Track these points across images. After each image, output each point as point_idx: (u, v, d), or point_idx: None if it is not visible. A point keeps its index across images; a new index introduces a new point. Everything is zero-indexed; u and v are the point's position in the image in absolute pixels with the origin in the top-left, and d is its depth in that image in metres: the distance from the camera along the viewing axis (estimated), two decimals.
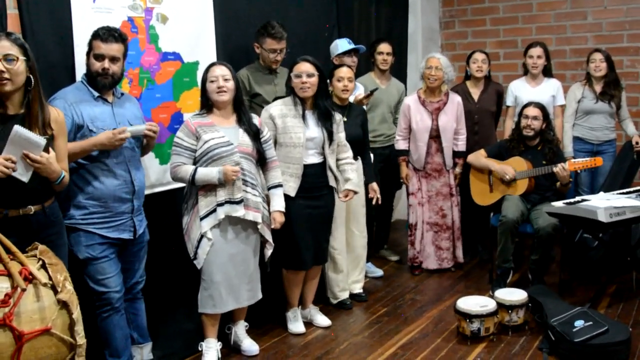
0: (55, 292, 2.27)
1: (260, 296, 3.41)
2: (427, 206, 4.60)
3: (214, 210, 3.13)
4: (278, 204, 3.38)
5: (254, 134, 3.27)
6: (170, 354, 3.40)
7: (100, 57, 2.79)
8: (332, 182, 3.65)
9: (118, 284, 2.90)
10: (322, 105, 3.59)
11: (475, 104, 4.76)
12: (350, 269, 4.17)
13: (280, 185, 3.41)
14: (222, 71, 3.18)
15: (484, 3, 6.12)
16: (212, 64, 3.25)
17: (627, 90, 5.01)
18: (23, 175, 2.31)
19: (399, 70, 5.45)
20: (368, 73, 4.78)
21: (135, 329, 3.13)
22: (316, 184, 3.59)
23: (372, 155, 4.27)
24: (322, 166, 3.62)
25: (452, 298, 4.02)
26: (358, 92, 4.30)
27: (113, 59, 2.80)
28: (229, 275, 3.22)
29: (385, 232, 5.14)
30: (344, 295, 4.11)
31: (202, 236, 3.13)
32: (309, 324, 3.81)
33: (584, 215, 3.62)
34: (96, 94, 2.83)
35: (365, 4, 5.31)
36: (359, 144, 4.03)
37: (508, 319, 3.57)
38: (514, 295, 3.63)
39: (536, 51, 4.70)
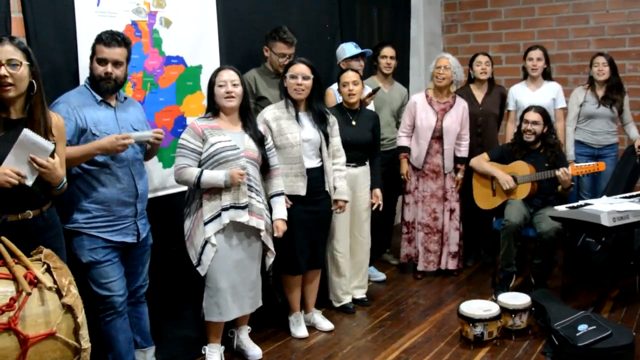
0: (60, 296, 2.26)
1: (260, 303, 3.39)
2: (421, 206, 4.60)
3: (219, 215, 3.11)
4: (280, 212, 3.35)
5: (259, 140, 3.25)
6: (173, 358, 3.39)
7: (103, 61, 2.78)
8: (327, 187, 3.64)
9: (121, 288, 2.89)
10: (316, 107, 3.59)
11: (479, 106, 4.75)
12: (352, 274, 4.15)
13: (282, 194, 3.39)
14: (230, 76, 3.15)
15: (486, 7, 6.14)
16: (221, 68, 3.22)
17: (630, 94, 5.02)
18: (28, 179, 2.30)
19: (401, 74, 5.45)
20: (371, 77, 4.78)
21: (139, 333, 3.12)
22: (314, 188, 3.58)
23: None
24: (321, 170, 3.62)
25: (455, 302, 4.01)
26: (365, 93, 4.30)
27: (116, 63, 2.79)
28: (234, 282, 3.20)
29: (387, 236, 5.13)
30: (347, 298, 4.10)
31: (205, 242, 3.11)
32: (311, 328, 3.81)
33: (587, 219, 3.62)
34: (99, 97, 2.83)
35: (368, 8, 5.30)
36: (369, 148, 4.03)
37: (511, 323, 3.56)
38: (517, 299, 3.62)
39: (536, 54, 4.70)
